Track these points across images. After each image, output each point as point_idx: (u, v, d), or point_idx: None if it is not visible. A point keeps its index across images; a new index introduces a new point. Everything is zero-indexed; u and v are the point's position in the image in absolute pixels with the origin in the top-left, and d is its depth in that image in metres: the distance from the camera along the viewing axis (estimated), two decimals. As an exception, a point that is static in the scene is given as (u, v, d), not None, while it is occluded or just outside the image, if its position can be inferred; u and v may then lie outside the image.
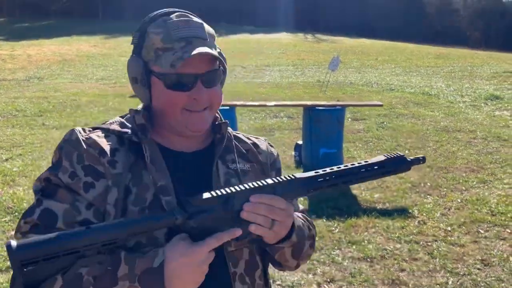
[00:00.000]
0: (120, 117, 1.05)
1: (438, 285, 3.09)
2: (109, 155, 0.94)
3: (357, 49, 31.56)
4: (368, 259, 3.44)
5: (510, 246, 3.65)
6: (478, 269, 3.30)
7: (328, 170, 0.99)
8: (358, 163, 1.03)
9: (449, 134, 8.03)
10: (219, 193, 0.89)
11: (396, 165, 1.06)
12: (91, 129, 1.00)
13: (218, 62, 1.00)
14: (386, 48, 35.23)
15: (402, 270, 3.29)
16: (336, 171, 0.99)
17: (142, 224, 0.84)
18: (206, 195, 0.88)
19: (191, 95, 0.97)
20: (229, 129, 1.11)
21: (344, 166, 1.01)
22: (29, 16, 50.33)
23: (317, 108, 5.65)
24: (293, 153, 6.29)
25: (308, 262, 3.38)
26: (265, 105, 7.15)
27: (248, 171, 1.08)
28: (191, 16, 1.02)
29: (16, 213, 4.18)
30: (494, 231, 3.95)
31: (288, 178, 0.96)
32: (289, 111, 9.82)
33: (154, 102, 1.01)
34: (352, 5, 74.51)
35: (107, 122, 1.03)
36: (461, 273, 3.25)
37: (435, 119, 9.57)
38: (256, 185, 0.92)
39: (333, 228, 3.96)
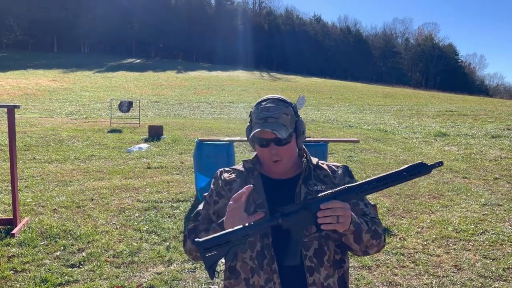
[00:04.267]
0: (243, 161, 1.67)
1: (425, 285, 3.88)
2: (229, 185, 1.58)
3: (311, 88, 33.15)
4: (367, 267, 4.20)
5: (475, 255, 4.54)
6: (453, 272, 4.14)
7: (369, 179, 1.37)
8: (390, 172, 1.37)
9: (409, 166, 9.10)
10: (300, 201, 1.38)
11: (418, 169, 1.35)
12: (226, 169, 1.65)
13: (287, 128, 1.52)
14: (338, 87, 37.20)
15: (395, 275, 4.06)
16: (375, 178, 1.37)
17: (261, 225, 1.36)
18: (291, 205, 1.37)
19: (270, 151, 1.50)
20: (314, 161, 1.63)
21: (380, 175, 1.38)
22: (-21, 48, 48.79)
23: (304, 143, 6.49)
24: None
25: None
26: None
27: (323, 191, 1.49)
28: (277, 99, 1.53)
29: (50, 238, 4.58)
30: (460, 244, 4.84)
31: (343, 187, 1.37)
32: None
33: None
34: (304, 46, 78.00)
35: (239, 164, 1.68)
36: (441, 275, 4.07)
37: (394, 153, 10.65)
38: (323, 194, 1.36)
39: (332, 245, 4.71)
